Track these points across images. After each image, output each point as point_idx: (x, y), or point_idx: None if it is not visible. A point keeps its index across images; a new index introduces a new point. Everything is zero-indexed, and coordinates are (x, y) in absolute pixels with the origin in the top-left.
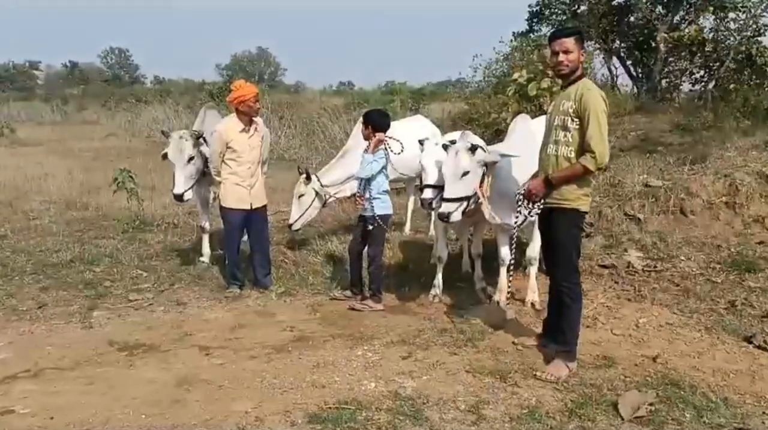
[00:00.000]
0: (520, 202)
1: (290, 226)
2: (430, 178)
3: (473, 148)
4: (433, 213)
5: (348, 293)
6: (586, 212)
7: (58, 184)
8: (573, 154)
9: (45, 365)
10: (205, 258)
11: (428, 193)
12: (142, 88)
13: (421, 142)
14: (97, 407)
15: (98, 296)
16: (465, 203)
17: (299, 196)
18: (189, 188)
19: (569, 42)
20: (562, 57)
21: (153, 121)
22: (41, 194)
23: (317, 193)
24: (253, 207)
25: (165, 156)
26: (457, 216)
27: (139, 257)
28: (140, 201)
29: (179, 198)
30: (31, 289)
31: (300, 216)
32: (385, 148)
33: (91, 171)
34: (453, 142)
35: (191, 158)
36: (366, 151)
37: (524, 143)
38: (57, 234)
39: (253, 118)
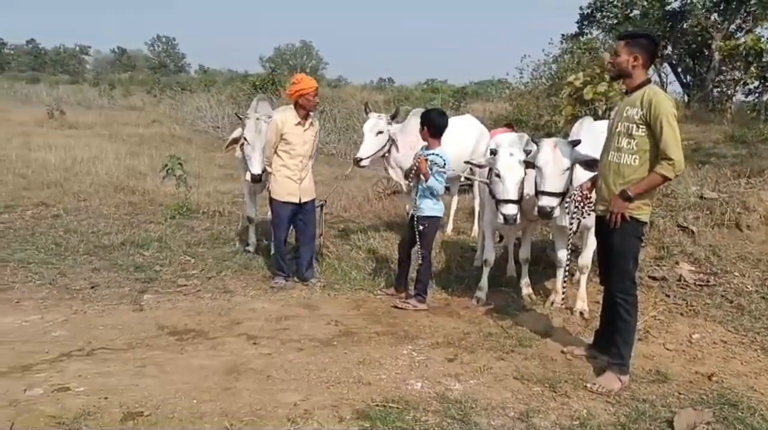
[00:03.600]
0: (576, 206)
1: (359, 160)
2: (511, 192)
3: (574, 143)
4: (483, 214)
5: (391, 290)
6: (647, 222)
7: (106, 167)
8: (637, 162)
9: (98, 345)
10: (251, 247)
11: (512, 209)
12: (186, 77)
13: (493, 152)
14: (150, 390)
15: (148, 280)
16: (561, 199)
17: (378, 133)
18: (265, 170)
19: (618, 45)
20: (611, 58)
21: (196, 110)
22: (90, 176)
23: (391, 138)
24: (302, 201)
25: (234, 141)
26: (557, 212)
27: (186, 244)
28: (188, 188)
29: (258, 179)
30: (83, 269)
31: (374, 153)
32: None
33: (137, 156)
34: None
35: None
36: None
37: (591, 146)
38: (107, 217)
39: (310, 113)
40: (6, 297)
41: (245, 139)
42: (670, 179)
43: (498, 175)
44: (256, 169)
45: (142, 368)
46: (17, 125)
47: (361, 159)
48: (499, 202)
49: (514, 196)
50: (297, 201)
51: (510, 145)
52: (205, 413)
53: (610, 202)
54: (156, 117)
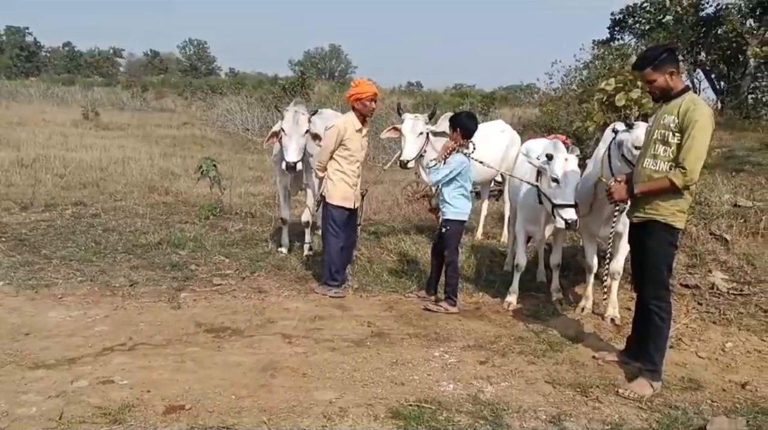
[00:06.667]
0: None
1: (405, 162)
2: (571, 196)
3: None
4: (514, 219)
5: (422, 293)
6: (681, 229)
7: (140, 167)
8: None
9: (138, 340)
10: (284, 249)
11: (573, 213)
12: (217, 80)
13: (549, 157)
14: (190, 385)
15: (184, 279)
16: None
17: (419, 134)
18: (300, 160)
19: (647, 73)
20: (648, 86)
21: (227, 112)
22: (125, 177)
23: (428, 139)
24: (355, 206)
25: (274, 135)
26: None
27: (221, 244)
28: (222, 189)
29: (292, 168)
30: (122, 267)
31: (417, 153)
32: (463, 152)
33: (169, 157)
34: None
35: (306, 132)
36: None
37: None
38: (143, 216)
39: (367, 118)
40: (50, 293)
41: (283, 130)
42: (678, 188)
43: (556, 180)
44: (292, 157)
45: (181, 364)
46: (54, 126)
47: (408, 161)
48: (557, 206)
49: (573, 201)
50: (352, 206)
51: (513, 142)
52: (244, 408)
53: (617, 189)
54: (187, 119)
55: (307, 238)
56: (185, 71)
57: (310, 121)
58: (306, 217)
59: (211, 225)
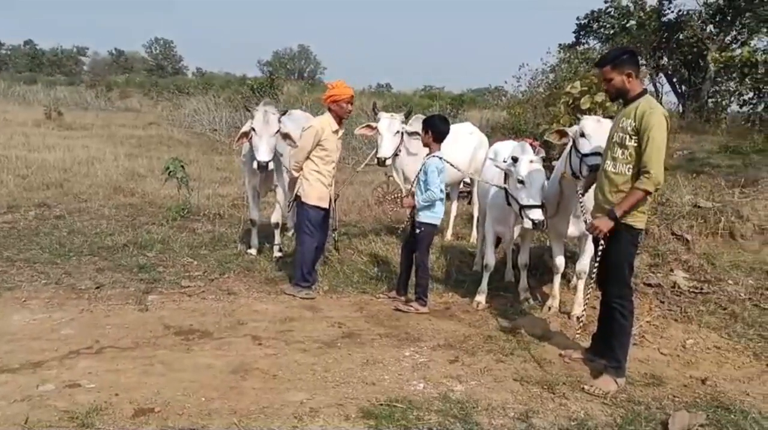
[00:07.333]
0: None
1: (383, 160)
2: (537, 197)
3: None
4: (481, 219)
5: (393, 293)
6: (642, 229)
7: (105, 168)
8: (630, 172)
9: (105, 343)
10: (254, 250)
11: (539, 214)
12: (184, 80)
13: (514, 160)
14: (159, 388)
15: (152, 281)
16: None
17: (396, 132)
18: (271, 160)
19: (606, 71)
20: (605, 85)
21: (194, 112)
22: (89, 178)
23: (403, 138)
24: (329, 206)
25: (244, 135)
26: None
27: (189, 246)
28: (189, 190)
29: (264, 167)
30: (88, 269)
31: (393, 152)
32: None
33: (135, 158)
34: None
35: (276, 131)
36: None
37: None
38: (109, 218)
39: (343, 119)
40: (13, 296)
41: (253, 129)
42: (651, 193)
43: (522, 182)
44: (263, 156)
45: (150, 367)
46: (16, 126)
47: (386, 158)
48: (524, 207)
49: (540, 201)
50: (327, 206)
51: (481, 144)
52: (214, 410)
53: (603, 224)
54: (153, 119)
55: (277, 239)
56: (151, 71)
57: (280, 120)
58: (275, 218)
59: (178, 227)
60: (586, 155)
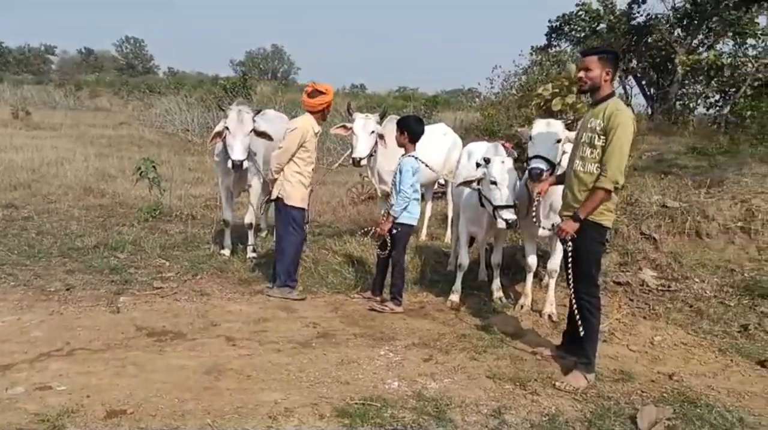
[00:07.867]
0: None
1: (358, 160)
2: (509, 197)
3: None
4: (455, 219)
5: (368, 293)
6: (609, 227)
7: (74, 169)
8: (598, 171)
9: (76, 345)
10: (227, 251)
11: (512, 214)
12: (155, 79)
13: (486, 161)
14: (131, 389)
15: (124, 282)
16: None
17: (371, 132)
18: (245, 158)
19: (590, 60)
20: (582, 74)
21: (165, 112)
22: (58, 178)
23: (378, 139)
24: (308, 207)
25: (218, 134)
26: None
27: (161, 247)
28: (161, 191)
29: (238, 166)
30: (57, 271)
31: (369, 152)
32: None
33: (105, 158)
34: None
35: (251, 130)
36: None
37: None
38: (79, 219)
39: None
40: None
41: (227, 128)
42: (610, 191)
43: (494, 183)
44: (237, 155)
45: (122, 368)
46: None
47: (361, 158)
48: (497, 208)
49: (512, 202)
50: (306, 207)
51: (455, 144)
52: (188, 411)
53: (569, 227)
54: (124, 119)
55: (251, 239)
56: (121, 70)
57: (254, 119)
58: (249, 218)
59: (150, 227)
60: (529, 159)
